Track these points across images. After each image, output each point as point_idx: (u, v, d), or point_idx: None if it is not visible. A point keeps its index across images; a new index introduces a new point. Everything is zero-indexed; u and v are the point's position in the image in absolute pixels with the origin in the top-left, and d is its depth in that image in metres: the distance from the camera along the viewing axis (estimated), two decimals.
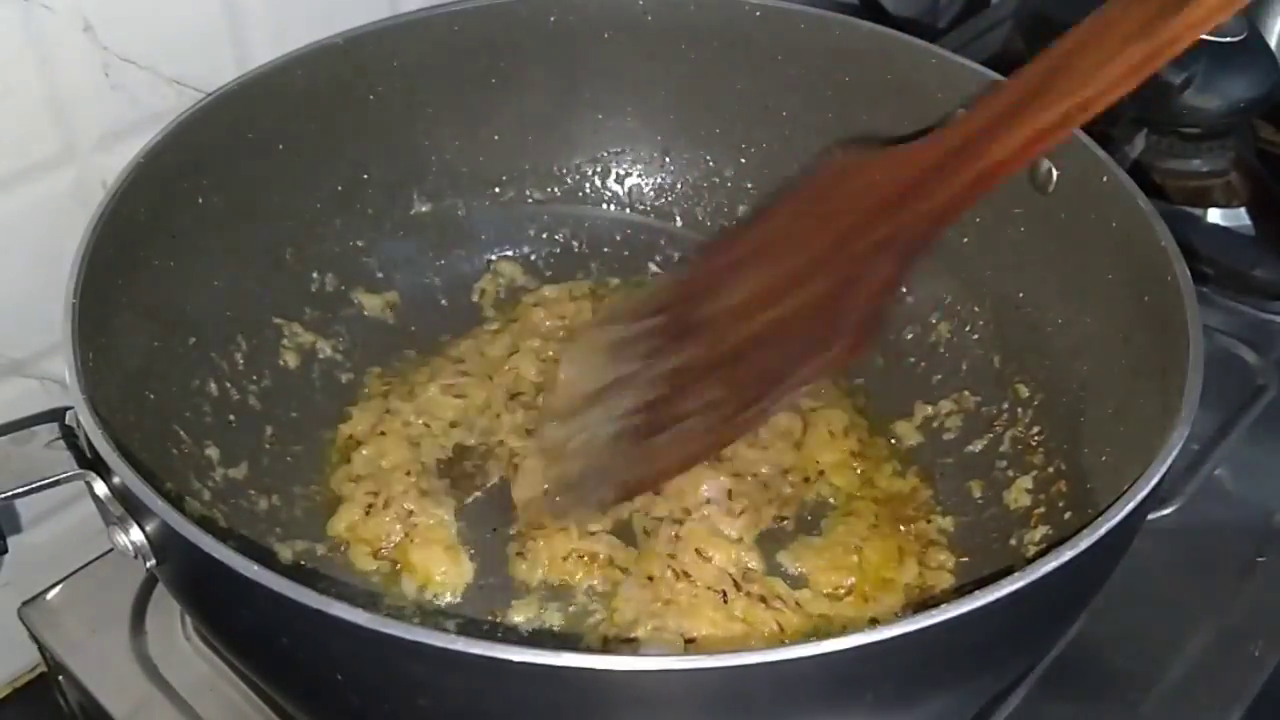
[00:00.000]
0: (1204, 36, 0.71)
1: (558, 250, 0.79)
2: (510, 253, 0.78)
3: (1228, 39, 0.71)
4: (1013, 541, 0.62)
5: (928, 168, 0.54)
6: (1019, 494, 0.64)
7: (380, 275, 0.74)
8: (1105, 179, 0.62)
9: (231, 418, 0.64)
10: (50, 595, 0.65)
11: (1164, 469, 0.48)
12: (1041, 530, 0.61)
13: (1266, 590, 0.65)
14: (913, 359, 0.73)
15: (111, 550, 0.65)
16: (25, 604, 0.64)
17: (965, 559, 0.64)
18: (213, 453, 0.62)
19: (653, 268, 0.79)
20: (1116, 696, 0.61)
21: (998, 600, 0.43)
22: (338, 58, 0.69)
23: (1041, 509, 0.62)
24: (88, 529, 0.66)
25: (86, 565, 0.66)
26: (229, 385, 0.65)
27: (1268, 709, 0.61)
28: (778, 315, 0.57)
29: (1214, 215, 0.83)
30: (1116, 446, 0.58)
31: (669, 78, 0.76)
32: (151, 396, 0.58)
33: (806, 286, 0.57)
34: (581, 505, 0.62)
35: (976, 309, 0.71)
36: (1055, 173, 0.65)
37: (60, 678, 0.65)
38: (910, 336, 0.73)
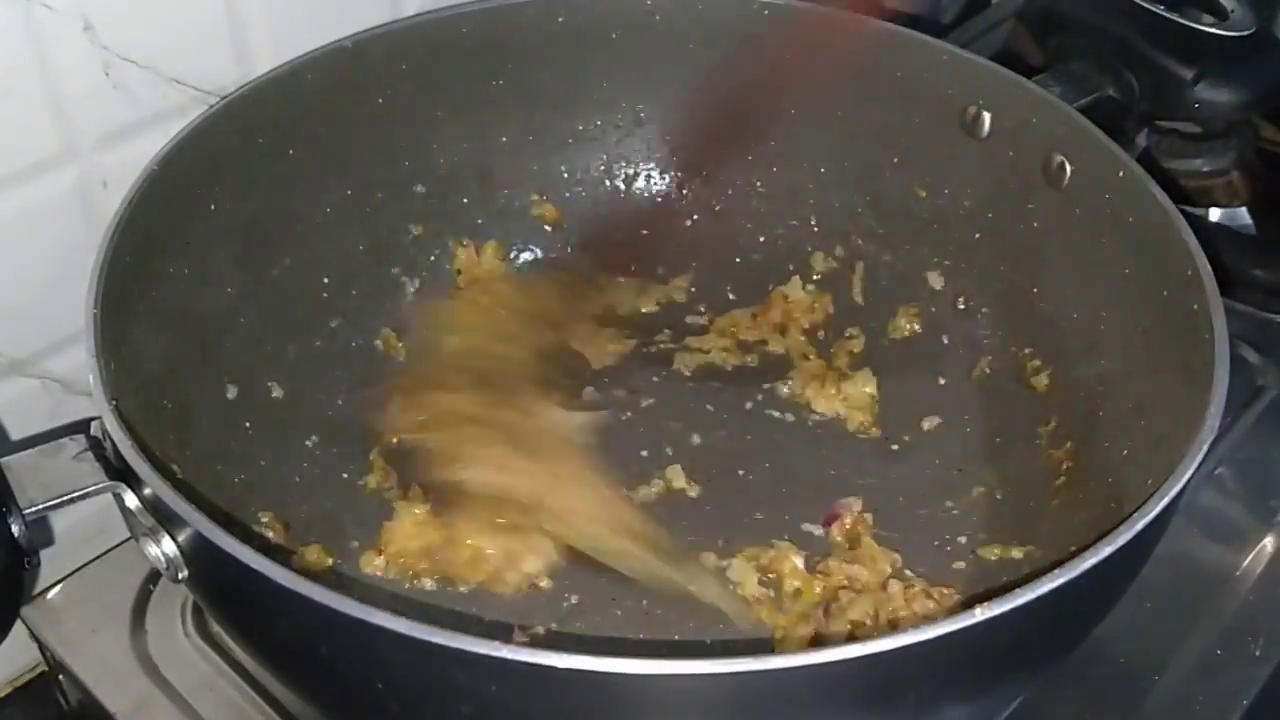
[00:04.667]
0: (1214, 31, 0.73)
1: (568, 251, 0.78)
2: (519, 255, 0.78)
3: (1238, 33, 0.72)
4: (1037, 535, 0.62)
5: None
6: (1039, 487, 0.64)
7: (389, 278, 0.73)
8: (1121, 174, 0.62)
9: (248, 424, 0.64)
10: (50, 595, 0.64)
11: (1196, 464, 0.49)
12: (1060, 523, 0.61)
13: (1266, 590, 0.65)
14: (926, 355, 0.73)
15: (111, 550, 0.66)
16: (25, 603, 0.64)
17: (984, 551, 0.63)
18: (228, 460, 0.61)
19: (659, 270, 0.79)
20: (1116, 695, 0.61)
21: (1040, 597, 0.43)
22: (346, 61, 0.68)
23: (1060, 504, 0.62)
24: (87, 529, 0.67)
25: (86, 565, 0.66)
26: (245, 392, 0.64)
27: (1268, 709, 0.61)
28: None
29: (1215, 215, 0.84)
30: (1137, 442, 0.58)
31: (677, 77, 0.76)
32: (169, 405, 0.58)
33: None
34: None
35: (990, 304, 0.72)
36: (1070, 167, 0.65)
37: (60, 677, 0.64)
38: (923, 332, 0.74)
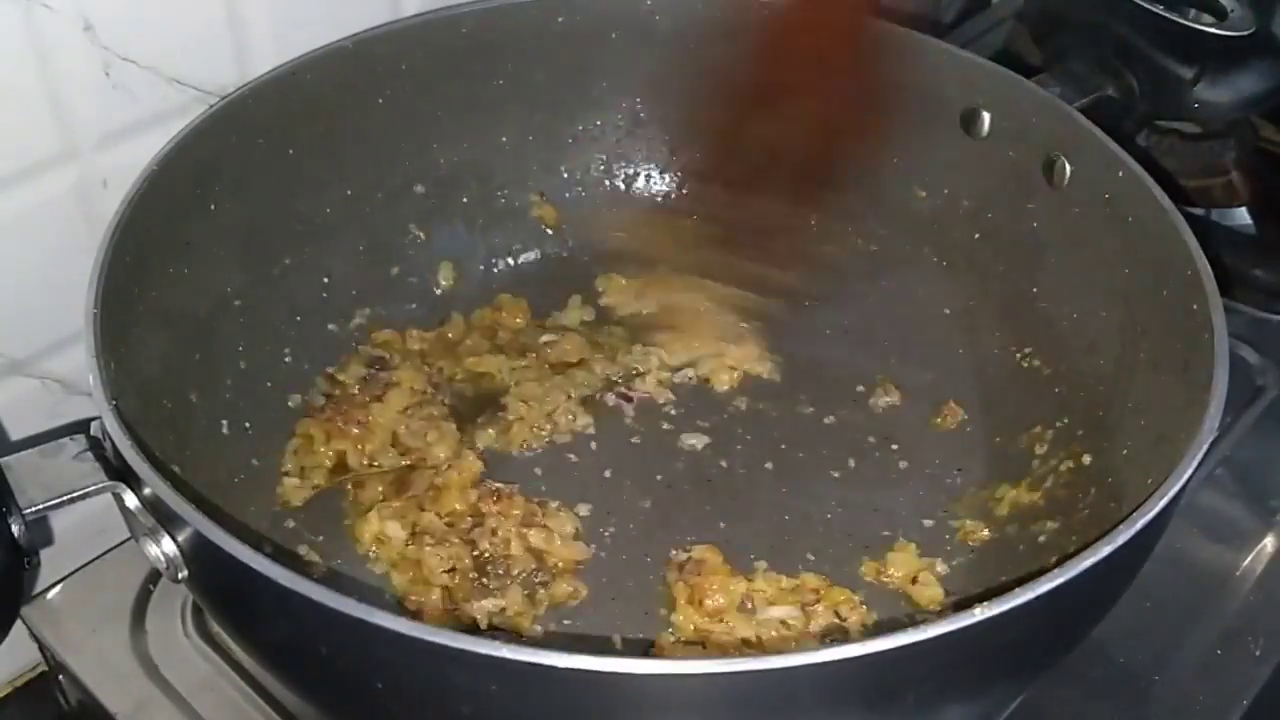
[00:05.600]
0: (1214, 31, 0.73)
1: (566, 252, 0.78)
2: (519, 255, 0.78)
3: (1238, 33, 0.72)
4: (1038, 534, 0.62)
5: None
6: (1039, 487, 0.64)
7: (389, 279, 0.73)
8: (1121, 174, 0.62)
9: (248, 424, 0.64)
10: (50, 595, 0.64)
11: (1195, 463, 0.49)
12: (1060, 522, 0.61)
13: (1266, 590, 0.66)
14: (925, 356, 0.73)
15: (112, 550, 0.66)
16: (25, 603, 0.63)
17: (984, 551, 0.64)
18: (228, 460, 0.61)
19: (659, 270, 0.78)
20: (1116, 695, 0.61)
21: (1039, 596, 0.43)
22: (346, 61, 0.68)
23: (1061, 502, 0.62)
24: (87, 529, 0.67)
25: (86, 565, 0.66)
26: (245, 392, 0.64)
27: (1268, 709, 0.61)
28: None
29: (1215, 215, 0.84)
30: (1137, 442, 0.58)
31: (677, 77, 0.76)
32: (169, 405, 0.58)
33: None
34: None
35: (989, 305, 0.72)
36: (1070, 167, 0.65)
37: (61, 677, 0.64)
38: (922, 334, 0.73)
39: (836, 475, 0.68)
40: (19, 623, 0.63)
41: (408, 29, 0.71)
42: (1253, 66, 0.73)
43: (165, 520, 0.47)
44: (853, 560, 0.63)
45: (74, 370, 0.66)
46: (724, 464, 0.68)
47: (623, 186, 0.79)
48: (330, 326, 0.71)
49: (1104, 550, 0.45)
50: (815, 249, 0.73)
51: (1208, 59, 0.72)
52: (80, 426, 0.51)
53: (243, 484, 0.62)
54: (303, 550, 0.62)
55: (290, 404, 0.67)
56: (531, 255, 0.78)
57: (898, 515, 0.65)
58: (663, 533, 0.64)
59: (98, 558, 0.66)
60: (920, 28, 0.73)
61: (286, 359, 0.68)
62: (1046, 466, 0.64)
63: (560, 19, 0.73)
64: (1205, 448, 0.49)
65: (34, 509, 0.48)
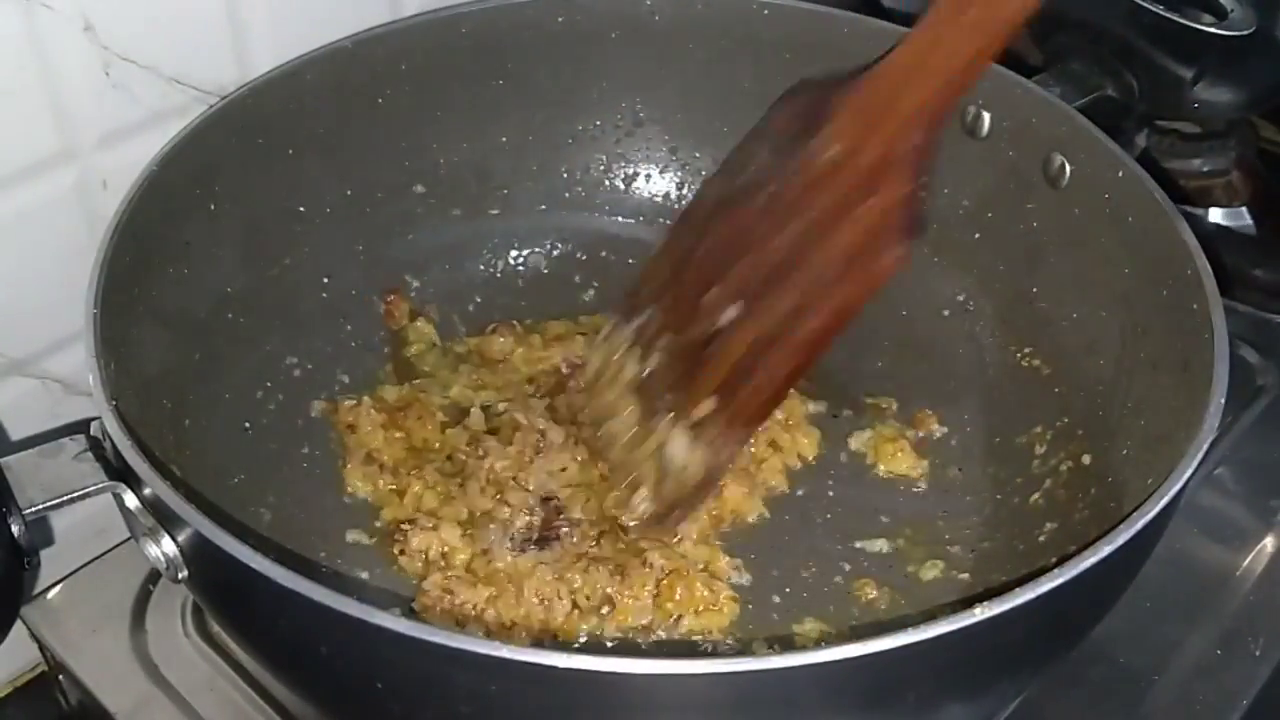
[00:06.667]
0: (1214, 31, 0.73)
1: (564, 253, 0.78)
2: (518, 255, 0.78)
3: (1238, 33, 0.72)
4: (1037, 534, 0.62)
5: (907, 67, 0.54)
6: (1039, 487, 0.64)
7: (389, 280, 0.74)
8: (1120, 173, 0.62)
9: (248, 424, 0.64)
10: (50, 595, 0.65)
11: (1195, 463, 0.49)
12: (1060, 522, 0.61)
13: (1266, 590, 0.66)
14: (925, 356, 0.73)
15: (112, 550, 0.66)
16: (25, 603, 0.64)
17: (984, 551, 0.64)
18: (228, 460, 0.61)
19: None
20: (1116, 696, 0.61)
21: (1039, 596, 0.43)
22: (346, 61, 0.68)
23: (1061, 502, 0.62)
24: (87, 529, 0.67)
25: (86, 565, 0.66)
26: (244, 392, 0.65)
27: (1268, 709, 0.62)
28: (793, 243, 0.56)
29: (1215, 215, 0.85)
30: (1137, 442, 0.59)
31: (677, 77, 0.76)
32: (168, 405, 0.58)
33: (816, 207, 0.56)
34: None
35: (989, 305, 0.72)
36: (1070, 167, 0.65)
37: (60, 677, 0.64)
38: (922, 334, 0.73)
39: (835, 474, 0.68)
40: (19, 623, 0.63)
41: (408, 29, 0.71)
42: (1253, 66, 0.73)
43: (165, 520, 0.47)
44: (852, 559, 0.63)
45: (74, 370, 0.66)
46: None
47: (622, 186, 0.79)
48: (330, 326, 0.71)
49: (1104, 550, 0.45)
50: None
51: (1208, 59, 0.72)
52: (80, 426, 0.51)
53: (243, 484, 0.62)
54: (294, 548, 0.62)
55: (288, 403, 0.67)
56: (531, 256, 0.78)
57: (896, 513, 0.65)
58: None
59: (98, 558, 0.67)
60: None
61: (286, 359, 0.68)
62: (1046, 467, 0.64)
63: (560, 19, 0.73)
64: (1205, 448, 0.49)
65: (34, 509, 0.48)
